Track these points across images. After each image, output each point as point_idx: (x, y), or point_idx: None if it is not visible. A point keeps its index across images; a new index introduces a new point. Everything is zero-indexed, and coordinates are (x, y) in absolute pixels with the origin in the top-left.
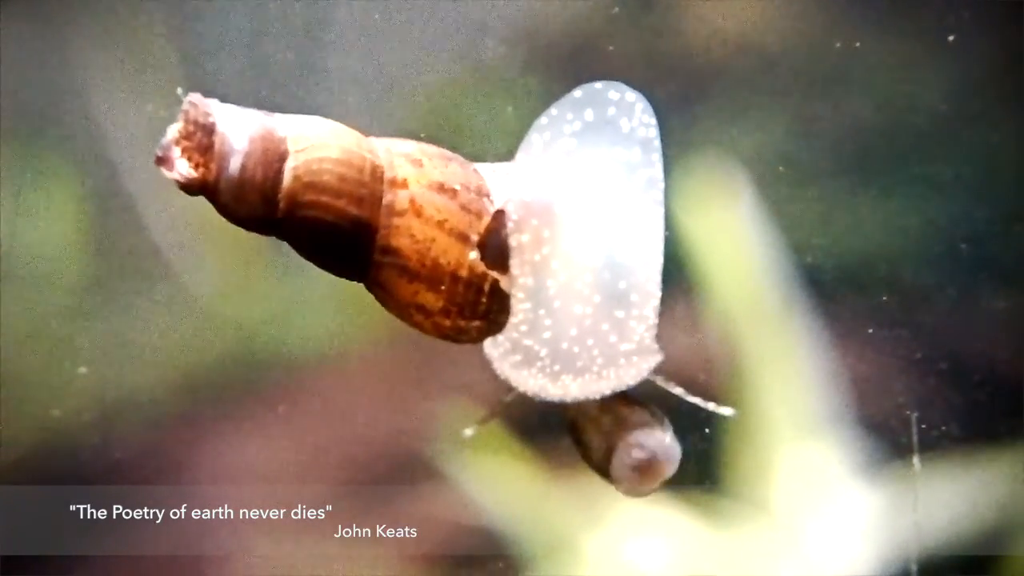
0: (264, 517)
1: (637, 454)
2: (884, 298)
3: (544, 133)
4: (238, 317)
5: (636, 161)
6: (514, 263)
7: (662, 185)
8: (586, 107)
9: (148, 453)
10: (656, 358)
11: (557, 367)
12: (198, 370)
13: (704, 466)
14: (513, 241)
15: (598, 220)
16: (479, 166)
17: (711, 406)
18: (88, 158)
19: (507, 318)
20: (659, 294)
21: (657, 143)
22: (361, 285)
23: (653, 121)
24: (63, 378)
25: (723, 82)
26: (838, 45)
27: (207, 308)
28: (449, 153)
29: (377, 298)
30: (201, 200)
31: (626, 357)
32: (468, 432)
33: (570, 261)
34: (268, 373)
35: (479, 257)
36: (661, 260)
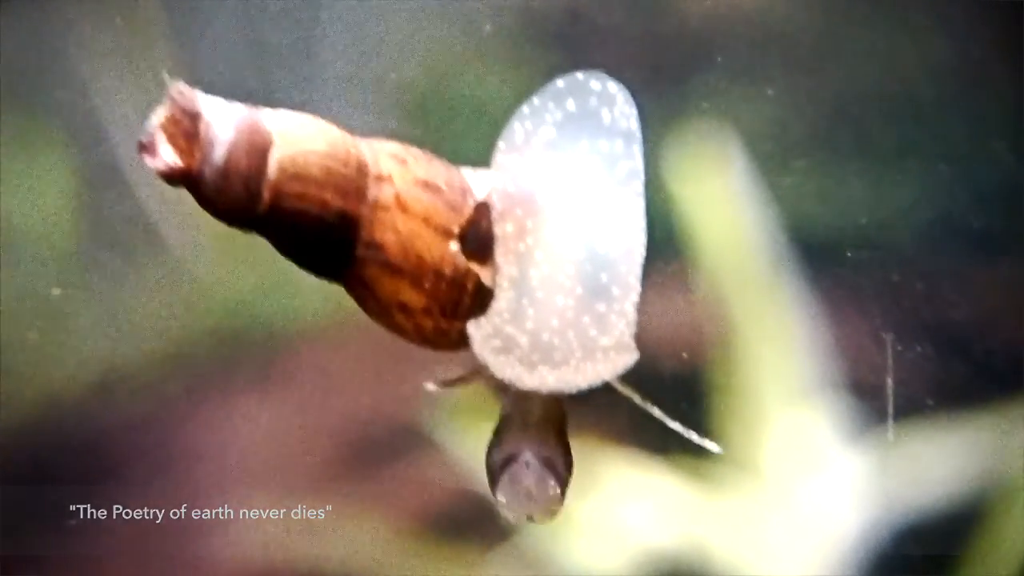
0: (255, 488)
1: (526, 479)
2: (873, 268)
3: (526, 123)
4: (228, 292)
5: (618, 153)
6: (498, 252)
7: (643, 177)
8: (568, 97)
9: (138, 426)
10: (632, 356)
11: (536, 357)
12: (188, 345)
13: (694, 430)
14: (497, 230)
15: (580, 212)
16: (462, 169)
17: (694, 437)
18: (80, 134)
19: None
20: (639, 288)
21: (638, 134)
22: None
23: (634, 112)
24: (55, 352)
25: (716, 55)
26: (831, 19)
27: (198, 284)
28: (431, 154)
29: (358, 300)
30: None
31: (604, 352)
32: (430, 387)
33: (553, 252)
34: (258, 347)
35: (459, 249)
36: (643, 253)
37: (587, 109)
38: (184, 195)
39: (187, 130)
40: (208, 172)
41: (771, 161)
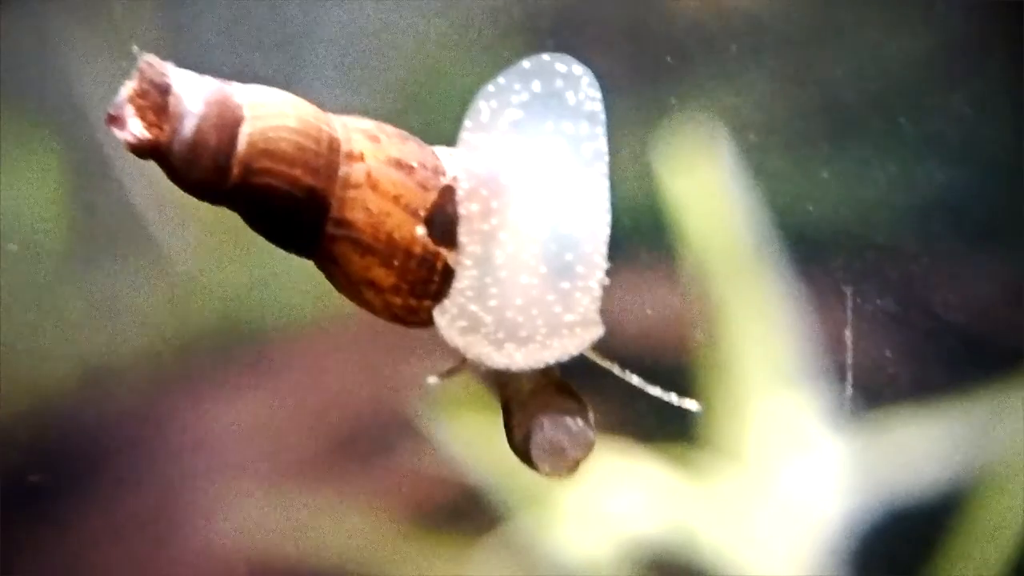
0: (247, 479)
1: (549, 436)
2: (861, 255)
3: (491, 101)
4: (219, 286)
5: (583, 134)
6: (462, 231)
7: (607, 158)
8: (533, 78)
9: (130, 419)
10: (598, 330)
11: (501, 335)
12: (179, 337)
13: (679, 418)
14: (462, 210)
15: (545, 192)
16: (436, 148)
17: (672, 398)
18: (70, 127)
19: None
20: (605, 266)
21: (602, 116)
22: None
23: (599, 95)
24: (47, 345)
25: (706, 44)
26: (819, 10)
27: (187, 276)
28: (406, 133)
29: (328, 275)
30: None
31: (569, 328)
32: (432, 380)
33: (517, 232)
34: (249, 339)
35: (426, 232)
36: (607, 233)
37: (552, 90)
38: (172, 191)
39: (156, 103)
40: (177, 146)
41: (759, 152)
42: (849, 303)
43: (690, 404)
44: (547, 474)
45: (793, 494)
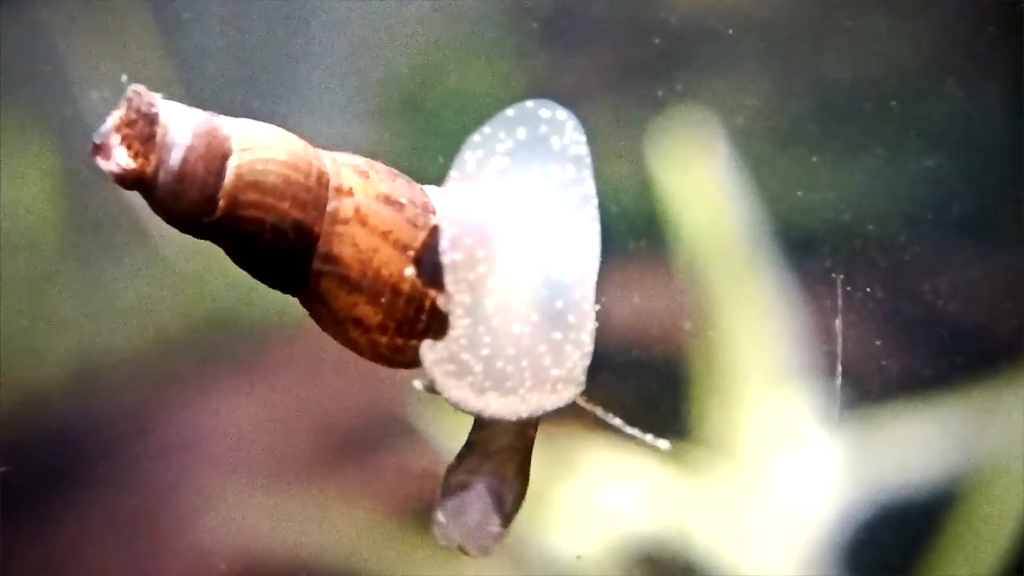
0: (239, 476)
1: (452, 519)
2: (855, 247)
3: (477, 151)
4: (212, 283)
5: (569, 178)
6: (448, 281)
7: (595, 202)
8: (518, 125)
9: (123, 415)
10: (577, 390)
11: (487, 383)
12: (171, 334)
13: (673, 415)
14: (446, 259)
15: (533, 238)
16: (426, 187)
17: (648, 439)
18: (61, 123)
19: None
20: (594, 316)
21: (588, 160)
22: None
23: (583, 139)
24: (41, 342)
25: (700, 38)
26: (818, 5)
27: (180, 273)
28: (396, 170)
29: (313, 313)
30: None
31: (552, 384)
32: (417, 384)
33: (507, 279)
34: (242, 336)
35: (415, 273)
36: (595, 280)
37: (537, 136)
38: None
39: (143, 132)
40: (163, 176)
41: (754, 146)
42: (841, 296)
43: (662, 444)
44: (434, 523)
45: (787, 490)
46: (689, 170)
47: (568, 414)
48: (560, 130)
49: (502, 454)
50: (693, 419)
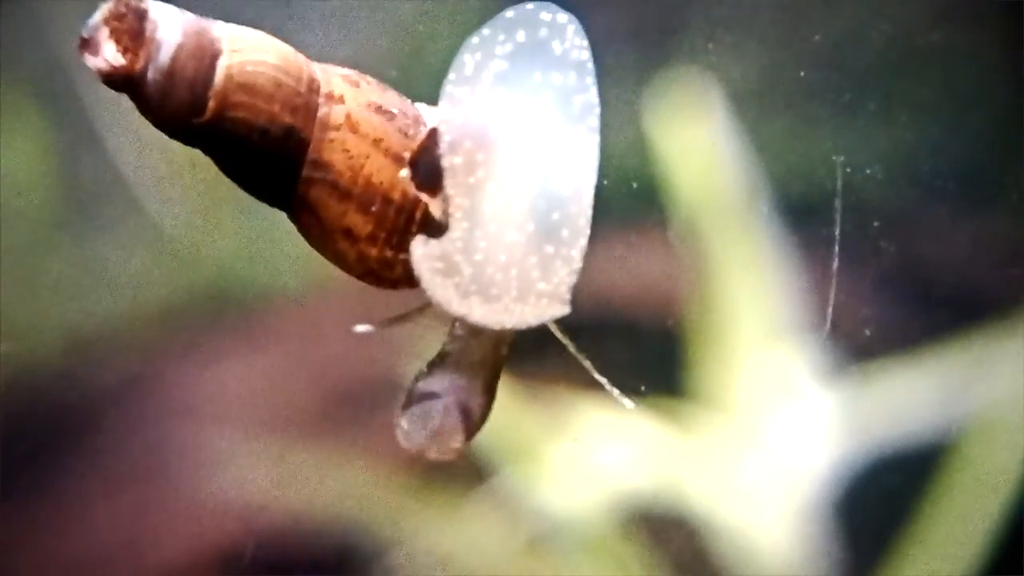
0: (239, 442)
1: (418, 421)
2: (850, 209)
3: (476, 53)
4: (207, 251)
5: (571, 85)
6: (448, 183)
7: (598, 111)
8: (518, 28)
9: (120, 383)
10: (564, 309)
11: (473, 287)
12: (168, 304)
13: (667, 372)
14: (446, 163)
15: (533, 146)
16: (417, 104)
17: (615, 393)
18: (55, 94)
19: None
20: (587, 232)
21: (591, 66)
22: None
23: (586, 43)
24: (37, 311)
25: (702, 3)
26: None
27: (176, 243)
28: (386, 85)
29: (300, 225)
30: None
31: (537, 297)
32: (360, 328)
33: (505, 185)
34: (238, 305)
35: (409, 176)
36: (592, 194)
37: (537, 40)
38: (160, 158)
39: (132, 29)
40: (152, 74)
41: (753, 111)
42: (837, 255)
43: (626, 402)
44: (397, 427)
45: (781, 445)
46: (686, 132)
47: (560, 371)
48: (561, 34)
49: (473, 368)
50: (688, 376)
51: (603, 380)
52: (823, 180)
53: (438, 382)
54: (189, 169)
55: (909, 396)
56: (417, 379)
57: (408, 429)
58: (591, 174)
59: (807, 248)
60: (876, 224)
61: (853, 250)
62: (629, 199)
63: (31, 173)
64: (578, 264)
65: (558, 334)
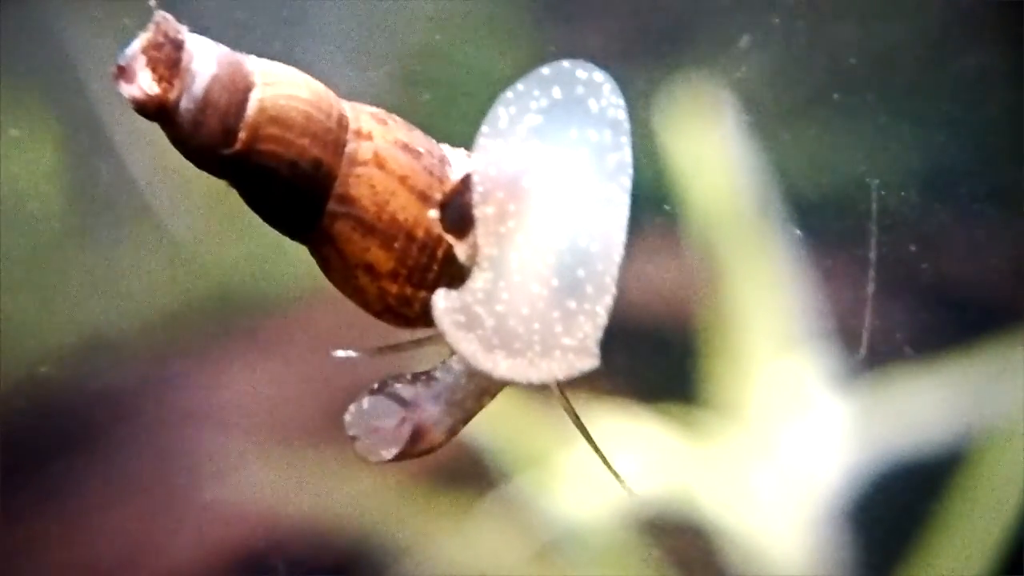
0: (247, 449)
1: (369, 418)
2: (863, 217)
3: (510, 108)
4: (218, 256)
5: (607, 143)
6: (479, 233)
7: (631, 171)
8: (553, 85)
9: (130, 388)
10: (592, 363)
11: (496, 340)
12: (176, 311)
13: (681, 379)
14: (478, 213)
15: (564, 201)
16: (442, 145)
17: (616, 475)
18: (67, 99)
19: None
20: (613, 290)
21: (627, 126)
22: None
23: (622, 102)
24: (46, 315)
25: (711, 9)
26: None
27: (186, 248)
28: (411, 125)
29: (321, 259)
30: None
31: (563, 352)
32: (340, 353)
33: (534, 237)
34: (247, 312)
35: (439, 217)
36: (621, 254)
37: (574, 97)
38: (170, 164)
39: (169, 57)
40: (186, 104)
41: (764, 118)
42: (853, 265)
43: (628, 489)
44: (346, 411)
45: (795, 455)
46: (698, 139)
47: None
48: (598, 92)
49: (451, 406)
50: (702, 384)
51: (609, 465)
52: (834, 186)
53: (413, 395)
54: (199, 177)
55: (922, 406)
56: (398, 378)
57: (360, 411)
58: (621, 233)
59: (818, 255)
60: (892, 237)
61: (866, 257)
62: (642, 208)
63: (42, 179)
64: (603, 320)
65: (558, 394)
